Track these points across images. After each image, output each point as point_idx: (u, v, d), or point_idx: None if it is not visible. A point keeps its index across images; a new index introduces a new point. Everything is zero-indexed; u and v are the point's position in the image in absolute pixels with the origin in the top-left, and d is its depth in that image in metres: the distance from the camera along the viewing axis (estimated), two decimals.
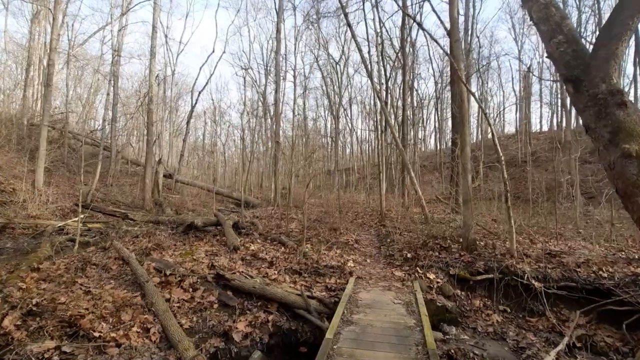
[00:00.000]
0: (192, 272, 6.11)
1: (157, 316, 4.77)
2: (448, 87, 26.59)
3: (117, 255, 6.47)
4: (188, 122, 21.56)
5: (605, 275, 5.87)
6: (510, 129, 33.61)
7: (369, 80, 13.21)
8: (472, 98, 7.69)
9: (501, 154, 6.29)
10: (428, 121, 32.63)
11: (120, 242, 7.38)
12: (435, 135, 30.52)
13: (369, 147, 33.40)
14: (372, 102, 29.05)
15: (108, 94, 17.30)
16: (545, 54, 4.61)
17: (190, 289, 5.70)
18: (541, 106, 29.76)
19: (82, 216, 9.04)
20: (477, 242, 7.36)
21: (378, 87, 13.14)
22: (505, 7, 35.89)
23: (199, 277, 5.96)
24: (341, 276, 6.38)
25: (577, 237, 9.17)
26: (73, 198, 13.29)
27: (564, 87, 4.57)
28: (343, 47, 25.28)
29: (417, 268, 6.59)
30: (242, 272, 6.37)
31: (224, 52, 21.19)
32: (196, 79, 22.92)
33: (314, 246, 7.92)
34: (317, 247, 7.74)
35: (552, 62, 4.64)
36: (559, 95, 26.15)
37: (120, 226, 9.34)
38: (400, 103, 21.52)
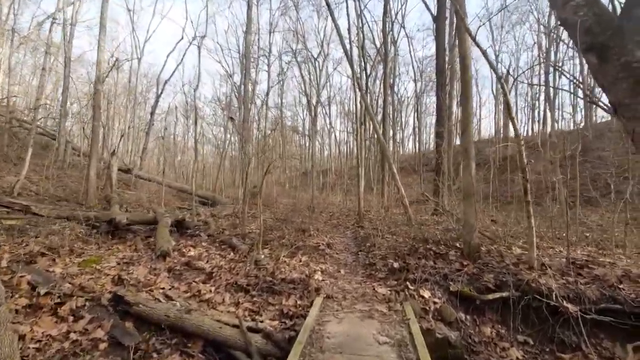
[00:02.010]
0: (83, 290, 3.99)
1: None
2: (430, 86, 25.34)
3: None
4: (152, 113, 19.14)
5: None
6: (485, 134, 32.84)
7: (349, 67, 11.42)
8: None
9: (517, 126, 4.56)
10: (407, 124, 31.36)
11: (7, 243, 5.15)
12: (414, 138, 29.23)
13: (347, 148, 31.83)
14: (352, 101, 27.47)
15: (43, 69, 14.63)
16: (559, 23, 4.07)
17: (70, 318, 3.60)
18: (517, 111, 28.99)
19: None
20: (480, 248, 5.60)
21: (358, 74, 11.36)
22: (483, 13, 35.28)
23: (90, 298, 3.86)
24: (304, 294, 4.41)
25: (582, 242, 7.63)
26: None
27: (584, 59, 3.22)
28: (322, 43, 23.56)
29: (407, 283, 4.72)
30: (163, 289, 4.30)
31: (194, 38, 18.90)
32: (162, 67, 20.37)
33: (273, 251, 5.94)
34: (278, 252, 5.75)
35: (566, 32, 4.05)
36: (539, 99, 25.37)
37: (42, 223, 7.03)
38: (380, 101, 20.04)
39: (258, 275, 4.72)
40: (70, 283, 4.10)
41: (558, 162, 14.20)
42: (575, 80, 21.63)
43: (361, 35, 15.45)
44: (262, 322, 3.77)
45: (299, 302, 4.20)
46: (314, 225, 8.55)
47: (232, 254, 5.76)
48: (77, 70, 22.89)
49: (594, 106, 21.77)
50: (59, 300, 3.79)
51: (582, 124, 22.84)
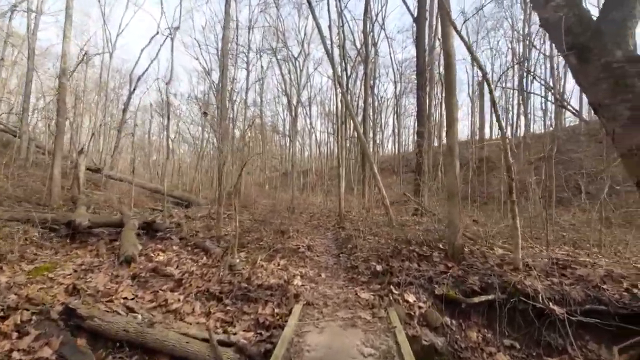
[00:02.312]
0: (30, 302, 3.49)
1: None
2: (409, 88, 25.51)
3: None
4: (124, 110, 18.21)
5: None
6: (461, 136, 33.47)
7: (330, 66, 11.16)
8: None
9: (502, 124, 4.42)
10: (386, 125, 31.51)
11: None
12: (394, 139, 29.39)
13: (327, 149, 31.66)
14: (332, 102, 27.31)
15: (2, 59, 13.52)
16: (540, 23, 3.82)
17: (14, 334, 3.11)
18: (491, 114, 29.67)
19: None
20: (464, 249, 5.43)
21: (339, 73, 11.11)
22: (460, 18, 36.06)
23: (38, 312, 3.37)
24: (282, 302, 4.07)
25: (559, 241, 7.66)
26: None
27: (566, 60, 3.16)
28: (303, 43, 23.25)
29: (391, 287, 4.47)
30: (125, 299, 3.85)
31: (167, 29, 18.05)
32: (136, 63, 19.42)
33: (250, 255, 5.56)
34: (254, 256, 5.38)
35: (547, 33, 4.13)
36: (513, 103, 26.03)
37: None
38: (361, 102, 19.94)
39: (232, 282, 4.34)
40: (16, 294, 3.59)
41: (533, 163, 14.53)
42: (546, 85, 22.32)
43: (342, 35, 15.26)
44: (235, 334, 3.40)
45: (276, 310, 3.86)
46: (293, 227, 8.21)
47: (205, 258, 5.34)
48: (45, 64, 21.57)
49: (564, 110, 22.57)
50: (1, 314, 3.29)
51: (552, 128, 23.56)
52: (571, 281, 4.50)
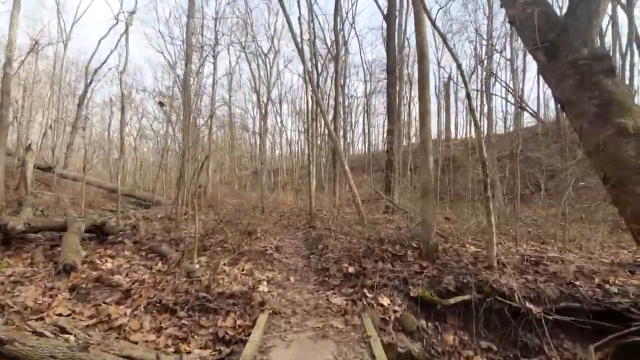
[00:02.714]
0: None
1: None
2: (379, 88, 25.61)
3: None
4: (80, 105, 16.80)
5: (616, 290, 4.08)
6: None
7: (300, 61, 10.75)
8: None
9: (477, 118, 4.24)
10: (356, 124, 31.57)
11: None
12: (364, 139, 29.49)
13: (298, 148, 31.24)
14: (303, 100, 26.89)
15: None
16: (508, 20, 4.04)
17: None
18: (457, 115, 30.61)
19: None
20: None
21: (309, 68, 10.73)
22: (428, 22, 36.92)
23: None
24: (246, 311, 3.63)
25: (524, 237, 7.75)
26: None
27: (533, 56, 3.05)
28: (272, 39, 22.66)
29: (365, 290, 4.15)
30: (60, 316, 3.26)
31: (125, 18, 16.79)
32: (93, 54, 17.88)
33: (212, 259, 5.05)
34: (217, 260, 4.88)
35: (516, 30, 4.07)
36: (477, 104, 26.86)
37: None
38: (332, 101, 19.71)
39: (189, 291, 3.84)
40: None
41: (496, 161, 14.89)
42: (507, 87, 23.20)
43: (312, 31, 14.91)
44: (189, 352, 2.93)
45: (238, 321, 3.42)
46: (261, 227, 7.75)
47: (160, 264, 4.77)
48: None
49: (523, 112, 23.60)
50: None
51: (512, 128, 24.50)
52: (545, 278, 4.41)
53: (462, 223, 7.28)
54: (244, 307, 3.70)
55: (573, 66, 3.21)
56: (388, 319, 3.80)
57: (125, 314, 3.44)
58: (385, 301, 4.01)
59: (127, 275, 4.35)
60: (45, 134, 19.52)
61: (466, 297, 4.15)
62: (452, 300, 4.12)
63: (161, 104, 6.52)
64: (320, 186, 18.27)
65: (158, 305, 3.64)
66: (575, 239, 7.31)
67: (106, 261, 4.76)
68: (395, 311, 3.92)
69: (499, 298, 4.09)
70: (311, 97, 10.89)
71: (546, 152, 19.24)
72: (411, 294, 4.20)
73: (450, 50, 4.30)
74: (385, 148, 13.25)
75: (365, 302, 3.93)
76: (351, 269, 4.59)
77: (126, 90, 13.82)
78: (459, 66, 4.16)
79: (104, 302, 3.62)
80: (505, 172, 13.04)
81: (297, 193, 17.24)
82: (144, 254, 5.29)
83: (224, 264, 4.74)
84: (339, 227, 7.66)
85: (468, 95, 4.24)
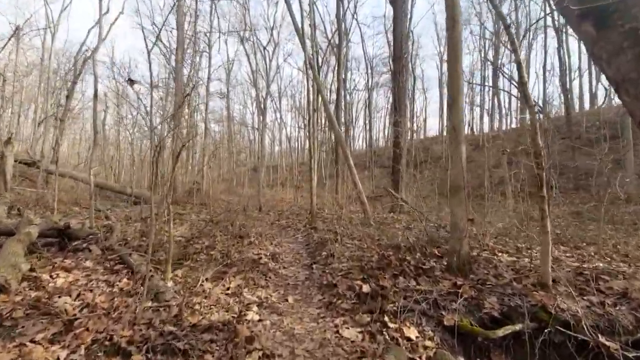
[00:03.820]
0: None
1: None
2: (380, 83, 24.51)
3: None
4: (68, 97, 15.68)
5: None
6: (430, 133, 33.21)
7: (299, 41, 9.67)
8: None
9: (529, 93, 3.20)
10: (357, 120, 30.50)
11: None
12: (365, 135, 28.43)
13: (298, 144, 30.21)
14: (303, 96, 25.77)
15: None
16: None
17: None
18: (482, 103, 29.34)
19: None
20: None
21: (311, 52, 9.64)
22: (430, 15, 35.96)
23: None
24: (228, 352, 2.59)
25: (554, 240, 6.71)
26: None
27: (579, 28, 1.80)
28: (272, 31, 21.50)
29: (386, 318, 3.13)
30: None
31: (121, 12, 15.73)
32: (82, 45, 16.71)
33: (192, 271, 4.02)
34: (198, 273, 3.84)
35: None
36: (484, 99, 25.82)
37: None
38: (333, 96, 18.65)
39: (153, 322, 2.81)
40: None
41: (504, 156, 13.84)
42: (513, 81, 22.15)
43: (312, 14, 13.82)
44: None
45: None
46: (257, 229, 6.72)
47: (125, 279, 3.73)
48: None
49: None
50: None
51: (518, 124, 23.45)
52: (613, 300, 3.39)
53: (486, 225, 6.25)
54: (225, 346, 2.67)
55: (631, 37, 2.39)
56: (418, 358, 2.77)
57: (58, 359, 2.41)
58: (412, 333, 2.98)
59: (78, 296, 3.31)
60: (37, 127, 18.42)
61: (517, 327, 3.13)
62: (500, 332, 3.09)
63: (131, 80, 5.58)
64: (321, 183, 17.26)
65: (107, 344, 2.60)
66: (608, 242, 6.30)
67: (57, 276, 3.72)
68: (426, 347, 2.89)
69: (560, 328, 3.08)
70: (312, 86, 9.83)
71: (555, 148, 18.23)
72: (445, 322, 3.17)
73: (495, 7, 3.24)
74: (391, 141, 12.21)
75: (387, 336, 2.90)
76: (365, 288, 3.56)
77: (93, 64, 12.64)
78: (507, 27, 3.10)
79: (32, 341, 2.59)
80: (520, 167, 12.02)
81: (297, 190, 16.20)
82: (110, 264, 4.24)
83: (206, 280, 3.70)
84: (343, 229, 6.64)
85: (518, 65, 3.19)
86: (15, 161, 13.03)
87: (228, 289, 3.60)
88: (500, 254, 4.84)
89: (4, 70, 14.50)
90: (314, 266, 4.81)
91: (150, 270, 3.50)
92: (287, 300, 3.60)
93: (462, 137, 3.87)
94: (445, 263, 4.06)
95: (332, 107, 15.24)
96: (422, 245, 4.80)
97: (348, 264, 4.45)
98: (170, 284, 3.52)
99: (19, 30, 14.08)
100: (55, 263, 4.18)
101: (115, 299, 3.24)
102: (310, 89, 9.96)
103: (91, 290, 3.46)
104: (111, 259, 4.35)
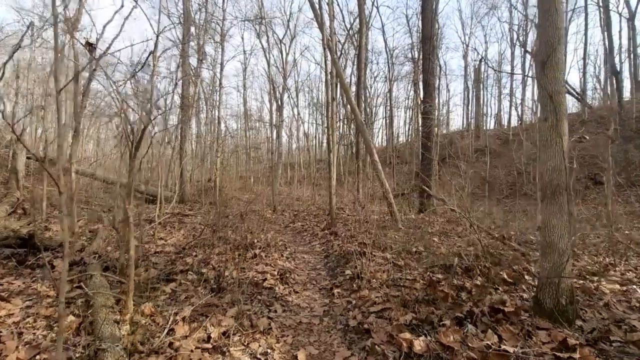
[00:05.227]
0: None
1: None
2: (400, 77, 22.84)
3: None
4: (84, 94, 14.96)
5: None
6: (455, 126, 31.13)
7: (318, 30, 8.38)
8: None
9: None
10: (376, 115, 28.85)
11: None
12: (385, 130, 26.79)
13: (316, 141, 28.93)
14: (321, 91, 24.46)
15: None
16: None
17: None
18: (486, 103, 27.26)
19: None
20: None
21: (329, 34, 8.33)
22: (455, 3, 33.78)
23: None
24: None
25: (588, 249, 5.14)
26: None
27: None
28: (288, 23, 20.28)
29: None
30: None
31: (135, 6, 14.97)
32: (97, 40, 15.96)
33: (170, 301, 2.83)
34: (172, 310, 2.65)
35: None
36: (511, 90, 23.70)
37: None
38: (353, 88, 17.24)
39: None
40: None
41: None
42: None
43: (332, 7, 12.49)
44: None
45: None
46: (266, 235, 5.50)
47: (72, 317, 2.58)
48: None
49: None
50: None
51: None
52: None
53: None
54: None
55: None
56: None
57: None
58: None
59: None
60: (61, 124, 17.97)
61: None
62: None
63: (89, 44, 4.62)
64: (340, 180, 15.98)
65: None
66: None
67: None
68: None
69: None
70: (330, 71, 8.52)
71: (596, 140, 16.13)
72: None
73: None
74: (412, 136, 10.74)
75: None
76: (418, 344, 2.23)
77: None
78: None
79: None
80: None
81: (314, 188, 14.97)
82: (70, 288, 3.13)
83: (182, 320, 2.50)
84: (370, 237, 5.31)
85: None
86: (29, 158, 12.45)
87: (209, 338, 2.37)
88: (599, 280, 3.39)
89: (17, 66, 13.95)
90: (335, 292, 3.53)
91: (111, 306, 2.32)
92: (296, 359, 2.34)
93: (565, 110, 2.47)
94: (533, 299, 2.67)
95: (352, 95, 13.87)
96: (485, 266, 3.42)
97: (382, 293, 3.14)
98: (125, 329, 2.33)
99: (33, 25, 13.48)
100: (2, 284, 3.11)
101: (37, 358, 2.08)
102: (329, 76, 8.66)
103: (20, 334, 2.33)
104: (71, 280, 3.23)
